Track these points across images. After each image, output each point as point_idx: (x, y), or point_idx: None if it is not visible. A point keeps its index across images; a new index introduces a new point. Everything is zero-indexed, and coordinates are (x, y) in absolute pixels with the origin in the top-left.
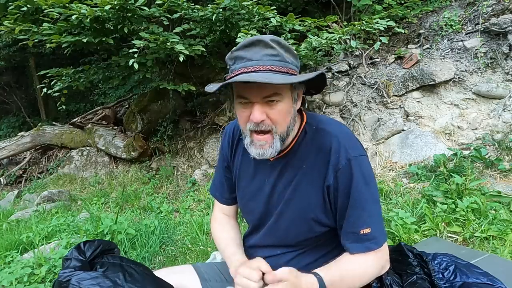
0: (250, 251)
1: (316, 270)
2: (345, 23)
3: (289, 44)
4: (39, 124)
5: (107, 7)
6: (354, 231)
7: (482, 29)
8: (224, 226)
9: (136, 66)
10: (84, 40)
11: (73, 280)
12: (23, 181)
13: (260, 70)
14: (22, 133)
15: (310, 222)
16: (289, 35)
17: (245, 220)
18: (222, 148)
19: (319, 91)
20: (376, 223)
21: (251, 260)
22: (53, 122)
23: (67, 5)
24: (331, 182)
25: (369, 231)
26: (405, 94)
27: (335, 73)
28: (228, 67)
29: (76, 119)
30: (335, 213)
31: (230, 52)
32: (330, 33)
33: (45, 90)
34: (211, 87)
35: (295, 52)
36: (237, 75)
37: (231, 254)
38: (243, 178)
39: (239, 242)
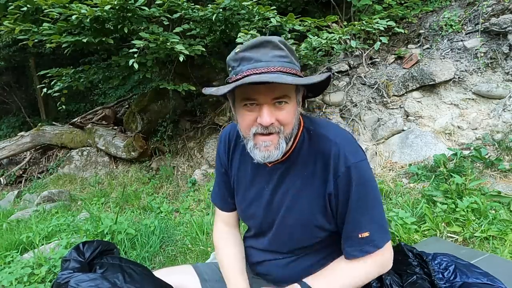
0: (250, 251)
1: (305, 280)
2: (345, 23)
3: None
4: (39, 124)
5: (107, 7)
6: (352, 235)
7: (482, 29)
8: (226, 244)
9: (136, 66)
10: (84, 40)
11: (72, 282)
12: (23, 181)
13: (271, 71)
14: (22, 133)
15: (313, 229)
16: (289, 35)
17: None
18: (219, 154)
19: (318, 94)
20: (376, 227)
21: None
22: (53, 122)
23: (67, 5)
24: (332, 189)
25: (368, 235)
26: (405, 94)
27: (335, 73)
28: (229, 68)
29: (76, 119)
30: (337, 218)
31: (233, 53)
32: (330, 33)
33: (45, 90)
34: (214, 91)
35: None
36: (244, 76)
37: (233, 284)
38: (242, 184)
39: (241, 265)
